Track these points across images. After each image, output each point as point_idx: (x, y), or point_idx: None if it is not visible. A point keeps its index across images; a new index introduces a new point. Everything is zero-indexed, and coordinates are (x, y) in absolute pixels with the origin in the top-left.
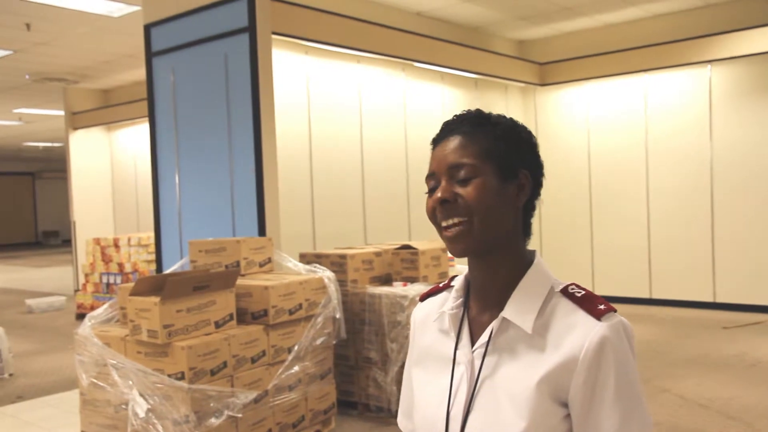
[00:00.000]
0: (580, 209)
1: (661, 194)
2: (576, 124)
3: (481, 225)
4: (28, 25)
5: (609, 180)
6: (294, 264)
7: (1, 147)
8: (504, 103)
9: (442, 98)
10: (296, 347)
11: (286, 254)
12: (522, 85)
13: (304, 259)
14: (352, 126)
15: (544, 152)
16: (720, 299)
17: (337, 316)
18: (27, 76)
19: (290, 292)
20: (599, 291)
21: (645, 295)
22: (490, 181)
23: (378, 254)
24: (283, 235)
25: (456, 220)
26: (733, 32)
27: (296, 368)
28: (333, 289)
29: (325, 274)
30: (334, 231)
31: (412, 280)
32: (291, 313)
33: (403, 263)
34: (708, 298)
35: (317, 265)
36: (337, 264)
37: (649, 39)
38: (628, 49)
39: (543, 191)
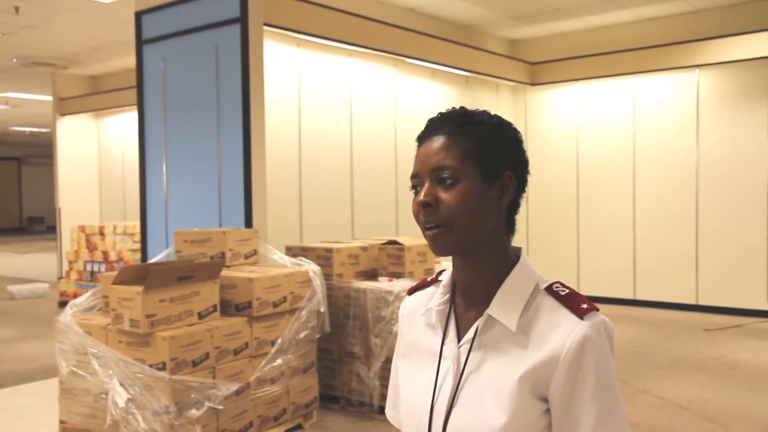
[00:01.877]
0: (567, 209)
1: (647, 196)
2: (565, 124)
3: (462, 230)
4: (16, 8)
5: (596, 180)
6: (280, 257)
7: None
8: (495, 101)
9: (433, 95)
10: (279, 340)
11: (272, 247)
12: (513, 84)
13: (290, 252)
14: (342, 120)
15: (533, 152)
16: (702, 302)
17: (322, 309)
18: (14, 60)
19: (275, 284)
20: (584, 291)
21: (629, 296)
22: (473, 184)
23: (364, 249)
24: (269, 227)
25: (436, 224)
26: (722, 38)
27: (279, 361)
28: (318, 282)
29: (311, 267)
30: (321, 225)
31: (398, 275)
32: (275, 305)
33: (389, 258)
34: (691, 300)
35: (303, 259)
36: (323, 258)
37: (639, 42)
38: (617, 52)
39: (530, 191)
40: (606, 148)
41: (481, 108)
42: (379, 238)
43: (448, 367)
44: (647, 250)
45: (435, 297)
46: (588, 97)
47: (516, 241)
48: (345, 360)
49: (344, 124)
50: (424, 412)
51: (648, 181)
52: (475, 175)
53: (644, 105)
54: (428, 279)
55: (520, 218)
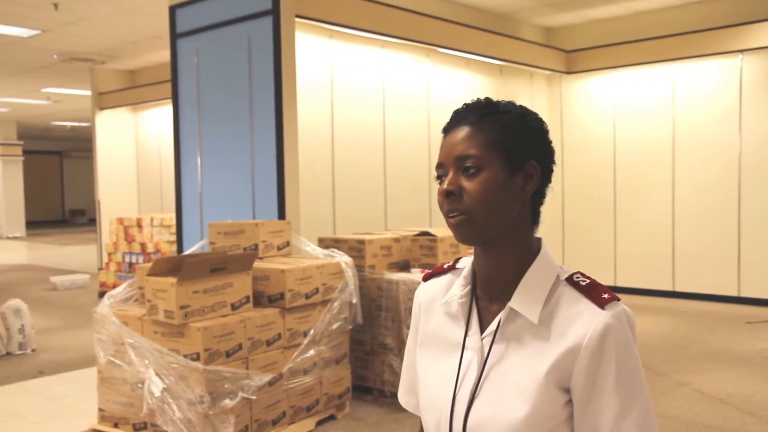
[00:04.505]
0: (604, 199)
1: (687, 186)
2: (602, 112)
3: (484, 218)
4: (56, 5)
5: (634, 170)
6: (312, 248)
7: (30, 126)
8: (529, 90)
9: (467, 85)
10: (312, 331)
11: (304, 238)
12: (548, 72)
13: (323, 243)
14: (374, 111)
15: (568, 140)
16: (744, 293)
17: (354, 301)
18: (55, 56)
19: (307, 276)
20: (621, 283)
21: (668, 287)
22: (496, 174)
23: (397, 240)
24: (302, 219)
25: (458, 212)
26: (766, 21)
27: (311, 352)
28: (350, 274)
29: (343, 259)
30: (354, 216)
31: (431, 267)
32: (307, 297)
33: (422, 250)
34: (732, 292)
35: (335, 250)
36: (356, 249)
37: (679, 27)
38: (656, 38)
39: (566, 179)
40: (644, 135)
41: (516, 97)
42: (411, 229)
43: (470, 358)
44: (687, 240)
45: (454, 287)
46: (626, 84)
47: (552, 230)
48: (377, 351)
49: (377, 114)
50: (446, 401)
51: (688, 168)
52: (499, 165)
53: (684, 91)
54: (444, 266)
55: (556, 207)
